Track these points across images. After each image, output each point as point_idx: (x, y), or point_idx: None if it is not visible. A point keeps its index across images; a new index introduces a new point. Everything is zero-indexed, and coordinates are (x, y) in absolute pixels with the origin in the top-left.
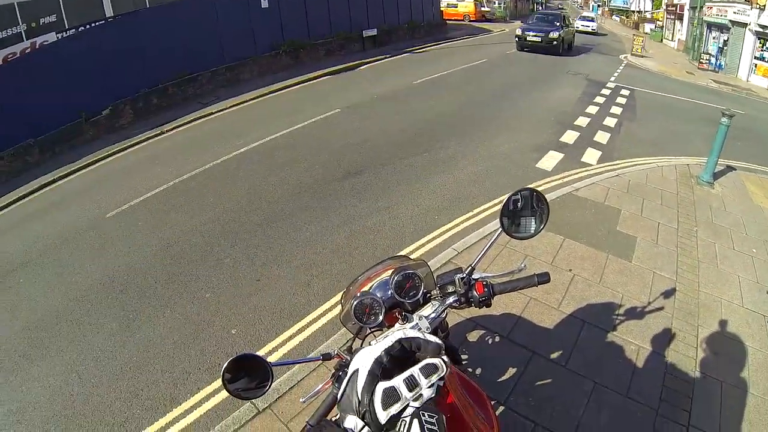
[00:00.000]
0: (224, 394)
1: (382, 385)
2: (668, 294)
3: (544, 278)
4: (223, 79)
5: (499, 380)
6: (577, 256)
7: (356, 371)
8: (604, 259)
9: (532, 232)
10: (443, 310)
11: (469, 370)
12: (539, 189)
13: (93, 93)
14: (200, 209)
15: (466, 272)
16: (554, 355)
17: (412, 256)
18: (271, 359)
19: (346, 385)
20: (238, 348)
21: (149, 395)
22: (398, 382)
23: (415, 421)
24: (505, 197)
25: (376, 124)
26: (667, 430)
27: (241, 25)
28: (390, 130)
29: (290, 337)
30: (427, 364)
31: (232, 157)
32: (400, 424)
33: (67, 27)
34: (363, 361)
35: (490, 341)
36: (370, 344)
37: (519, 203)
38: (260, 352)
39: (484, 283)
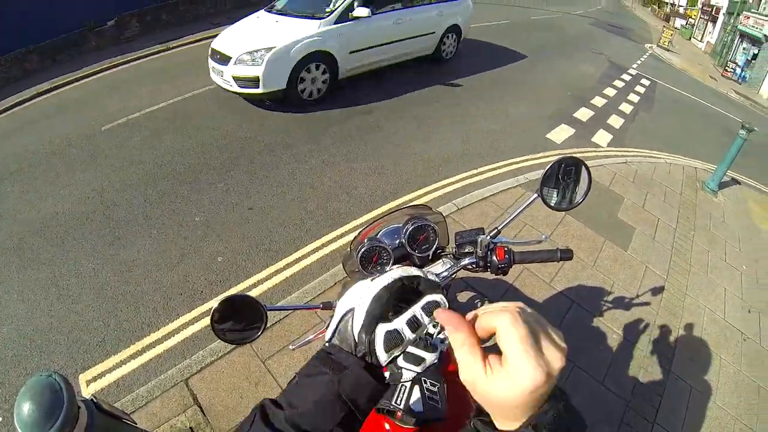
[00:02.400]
0: (202, 323)
1: (383, 327)
2: (656, 291)
3: (566, 255)
4: (240, 0)
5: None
6: (576, 235)
7: (352, 310)
8: (601, 243)
9: (569, 204)
10: (456, 271)
11: None
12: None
13: (99, 2)
14: (197, 131)
15: (490, 234)
16: None
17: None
18: (254, 293)
19: (338, 323)
20: (222, 276)
21: (127, 317)
22: (401, 324)
23: (416, 387)
24: (516, 162)
25: (390, 68)
26: (635, 423)
27: None
28: (402, 76)
29: (276, 272)
30: (428, 302)
31: None
32: (400, 389)
33: None
34: (360, 300)
35: (479, 304)
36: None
37: (561, 172)
38: (244, 284)
39: (506, 249)
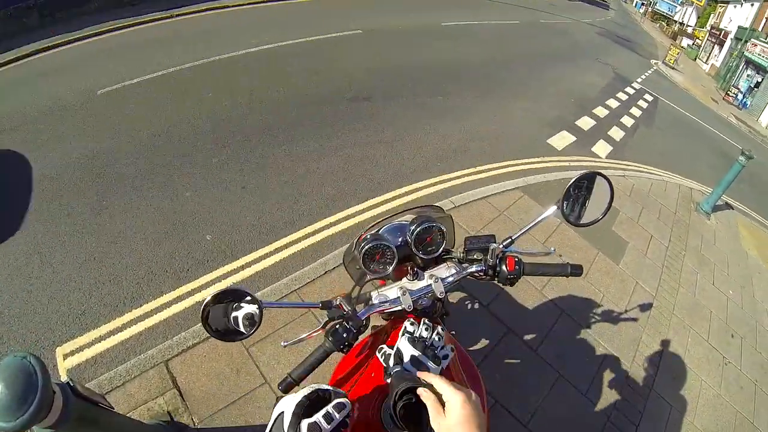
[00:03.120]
0: (186, 303)
1: (306, 422)
2: (645, 308)
3: (576, 271)
4: None
5: (471, 348)
6: (569, 245)
7: (282, 414)
8: (594, 255)
9: (589, 221)
10: (463, 277)
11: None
12: (551, 165)
13: None
14: (196, 102)
15: (503, 243)
16: (528, 337)
17: (406, 199)
18: (241, 276)
19: (272, 426)
20: (209, 255)
21: (110, 291)
22: (319, 417)
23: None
24: (515, 164)
25: (395, 56)
26: None
27: None
28: (408, 65)
29: (266, 255)
30: (338, 403)
31: (240, 55)
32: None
33: None
34: (286, 406)
35: (469, 306)
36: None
37: (583, 187)
38: (232, 266)
39: (516, 259)
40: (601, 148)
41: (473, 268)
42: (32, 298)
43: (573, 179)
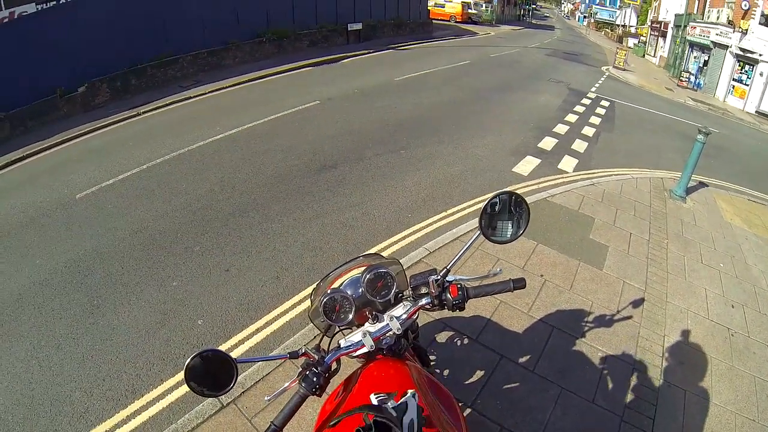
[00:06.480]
0: (187, 387)
1: None
2: (637, 303)
3: (519, 284)
4: (205, 63)
5: (467, 382)
6: (549, 262)
7: None
8: (576, 266)
9: (511, 236)
10: (415, 312)
11: (437, 371)
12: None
13: (70, 69)
14: (172, 195)
15: (441, 274)
16: (522, 360)
17: (383, 254)
18: (237, 353)
19: None
20: (203, 339)
21: (111, 386)
22: None
23: None
24: (485, 200)
25: (354, 119)
26: None
27: (226, 8)
28: (369, 126)
29: (257, 330)
30: None
31: (207, 144)
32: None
33: None
34: None
35: (458, 343)
36: None
37: (498, 206)
38: (226, 345)
39: (459, 286)
40: (567, 163)
41: (423, 301)
42: (35, 403)
43: (485, 203)
